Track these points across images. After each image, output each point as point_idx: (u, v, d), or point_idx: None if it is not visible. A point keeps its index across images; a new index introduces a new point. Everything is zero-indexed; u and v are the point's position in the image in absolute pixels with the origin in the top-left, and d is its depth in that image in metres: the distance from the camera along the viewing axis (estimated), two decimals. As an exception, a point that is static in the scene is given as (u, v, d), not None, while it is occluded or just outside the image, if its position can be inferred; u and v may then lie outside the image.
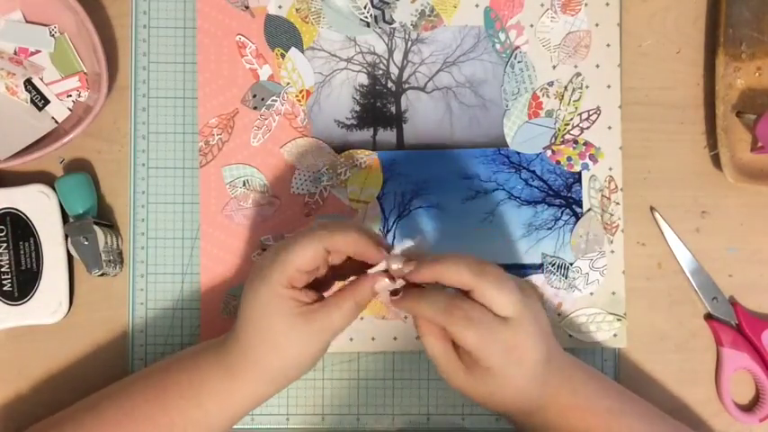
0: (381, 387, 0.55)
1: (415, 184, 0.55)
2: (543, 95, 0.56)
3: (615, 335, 0.55)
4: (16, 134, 0.53)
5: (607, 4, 0.56)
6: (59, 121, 0.54)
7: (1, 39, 0.53)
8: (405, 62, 0.56)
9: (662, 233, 0.56)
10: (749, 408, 0.55)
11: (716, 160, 0.55)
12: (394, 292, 0.45)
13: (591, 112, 0.56)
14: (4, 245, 0.52)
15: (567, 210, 0.55)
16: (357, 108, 0.56)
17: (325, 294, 0.46)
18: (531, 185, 0.55)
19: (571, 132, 0.56)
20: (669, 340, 0.55)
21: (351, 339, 0.54)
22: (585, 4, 0.56)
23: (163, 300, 0.55)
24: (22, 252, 0.52)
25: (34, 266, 0.52)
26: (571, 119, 0.56)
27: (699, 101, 0.57)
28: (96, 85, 0.52)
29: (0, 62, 0.53)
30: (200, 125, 0.55)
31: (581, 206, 0.55)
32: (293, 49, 0.55)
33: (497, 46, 0.56)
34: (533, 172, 0.56)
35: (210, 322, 0.54)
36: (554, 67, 0.56)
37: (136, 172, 0.55)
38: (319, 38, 0.56)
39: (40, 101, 0.53)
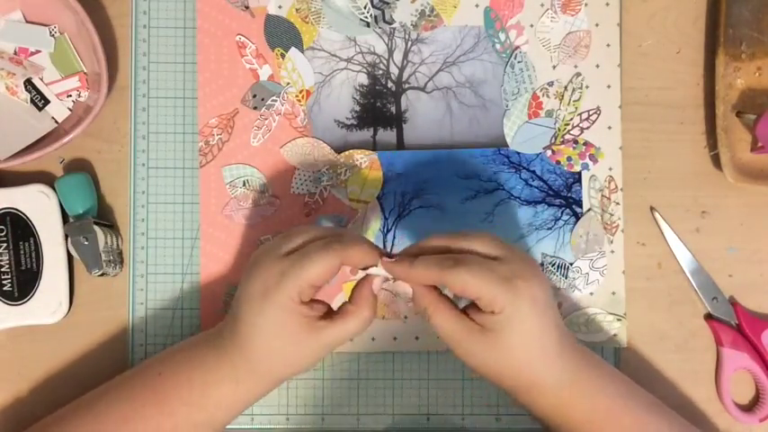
0: (381, 387, 0.55)
1: (415, 184, 0.55)
2: (543, 95, 0.56)
3: (615, 335, 0.55)
4: (16, 134, 0.53)
5: (607, 4, 0.56)
6: (59, 121, 0.54)
7: (1, 39, 0.53)
8: (405, 62, 0.56)
9: (662, 233, 0.56)
10: (749, 408, 0.55)
11: (716, 160, 0.55)
12: (388, 256, 0.46)
13: (591, 112, 0.56)
14: (4, 245, 0.52)
15: (567, 210, 0.55)
16: (357, 108, 0.56)
17: (318, 296, 0.46)
18: (531, 185, 0.55)
19: (571, 132, 0.56)
20: (669, 340, 0.55)
21: (351, 339, 0.54)
22: (585, 4, 0.56)
23: (163, 300, 0.55)
24: (22, 252, 0.52)
25: (34, 266, 0.52)
26: (571, 119, 0.56)
27: (699, 101, 0.57)
28: (96, 85, 0.52)
29: (0, 62, 0.53)
30: (200, 125, 0.55)
31: (581, 206, 0.55)
32: (293, 49, 0.55)
33: (497, 46, 0.56)
34: (533, 172, 0.56)
35: (210, 322, 0.54)
36: (554, 67, 0.56)
37: (136, 172, 0.55)
38: (319, 38, 0.56)
39: (40, 101, 0.53)
